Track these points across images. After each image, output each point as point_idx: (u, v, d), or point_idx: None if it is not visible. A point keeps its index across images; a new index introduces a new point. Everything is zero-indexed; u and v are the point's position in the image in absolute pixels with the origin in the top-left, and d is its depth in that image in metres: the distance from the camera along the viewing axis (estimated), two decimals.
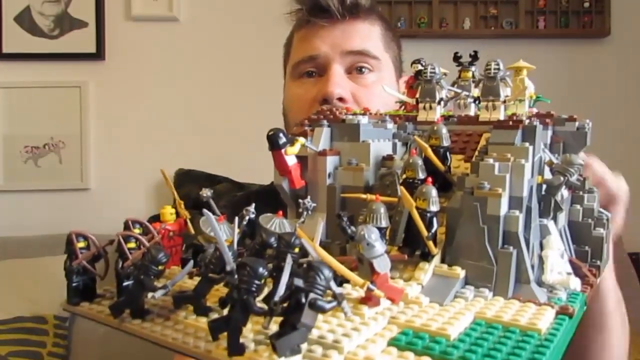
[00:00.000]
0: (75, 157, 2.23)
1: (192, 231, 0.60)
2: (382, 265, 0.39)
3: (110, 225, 0.52)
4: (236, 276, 0.35)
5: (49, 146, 2.23)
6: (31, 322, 1.76)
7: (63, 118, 2.22)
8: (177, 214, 0.61)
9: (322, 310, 0.32)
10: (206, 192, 0.59)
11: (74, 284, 0.48)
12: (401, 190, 0.44)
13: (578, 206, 0.61)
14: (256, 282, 0.33)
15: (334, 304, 0.32)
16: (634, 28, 2.32)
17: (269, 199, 0.55)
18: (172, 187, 0.62)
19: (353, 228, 0.40)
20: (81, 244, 0.49)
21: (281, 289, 0.34)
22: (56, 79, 2.23)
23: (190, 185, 1.88)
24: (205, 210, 0.42)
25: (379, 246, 0.39)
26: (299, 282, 0.32)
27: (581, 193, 0.62)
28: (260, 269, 0.34)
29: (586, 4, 2.30)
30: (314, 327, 0.32)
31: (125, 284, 0.46)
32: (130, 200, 2.22)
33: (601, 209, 0.65)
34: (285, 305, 0.33)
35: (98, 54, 2.23)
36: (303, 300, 0.31)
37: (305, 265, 0.33)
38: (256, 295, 0.34)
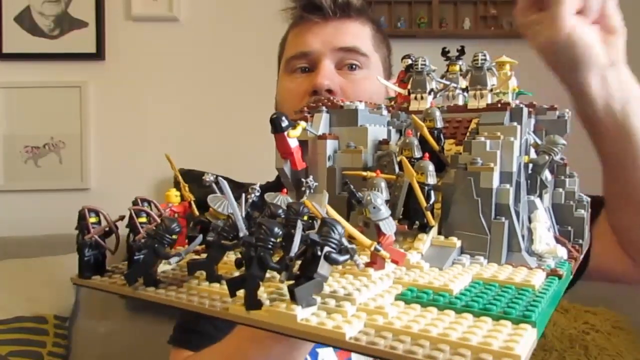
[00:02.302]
0: (75, 157, 2.23)
1: (197, 213, 0.61)
2: (388, 227, 0.41)
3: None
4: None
5: (49, 146, 2.22)
6: (31, 322, 1.75)
7: (63, 118, 2.22)
8: (182, 197, 0.62)
9: (337, 262, 0.34)
10: (209, 177, 0.60)
11: (85, 258, 0.50)
12: (403, 161, 0.47)
13: (560, 189, 0.65)
14: (272, 239, 0.36)
15: (347, 257, 0.35)
16: (633, 28, 2.36)
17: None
18: (176, 170, 0.64)
19: (360, 194, 0.43)
20: (93, 219, 0.51)
21: (294, 248, 0.36)
22: (56, 79, 2.23)
23: (190, 185, 1.88)
24: (220, 179, 0.44)
25: (385, 210, 0.42)
26: (314, 236, 0.34)
27: (563, 177, 0.67)
28: (276, 229, 0.36)
29: None
30: (328, 278, 0.35)
31: (136, 256, 0.47)
32: (130, 200, 2.19)
33: (580, 193, 0.69)
34: (299, 262, 0.35)
35: (98, 54, 2.23)
36: (319, 252, 0.34)
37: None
38: (272, 253, 0.36)
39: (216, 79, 2.30)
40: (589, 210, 0.67)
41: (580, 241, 0.63)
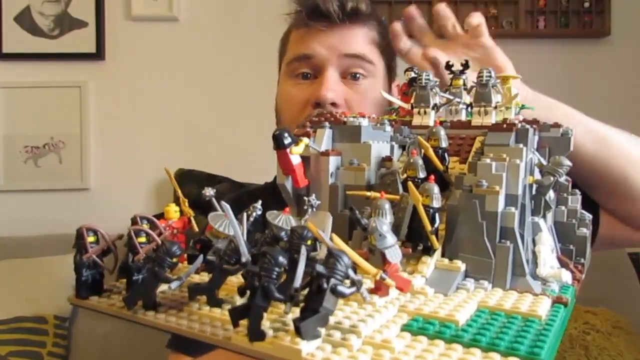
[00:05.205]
0: (75, 157, 2.24)
1: (196, 229, 0.61)
2: (394, 255, 0.41)
3: (110, 225, 0.52)
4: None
5: (49, 146, 2.23)
6: (31, 322, 1.76)
7: (63, 118, 2.23)
8: (181, 212, 0.62)
9: (343, 295, 0.34)
10: (209, 191, 0.59)
11: (83, 278, 0.49)
12: (409, 185, 0.46)
13: (563, 207, 0.65)
14: (277, 269, 0.35)
15: (354, 289, 0.34)
16: (634, 28, 2.35)
17: (264, 198, 0.56)
18: (176, 184, 0.63)
19: (366, 220, 0.42)
20: (91, 238, 0.50)
21: (299, 278, 0.36)
22: (56, 79, 2.23)
23: (190, 185, 1.88)
24: (223, 202, 0.43)
25: (390, 237, 0.41)
26: (320, 268, 0.33)
27: (565, 195, 0.66)
28: (281, 258, 0.35)
29: (586, 4, 2.32)
30: (334, 311, 0.34)
31: (135, 277, 0.47)
32: (130, 200, 2.22)
33: (582, 211, 0.69)
34: (304, 292, 0.35)
35: (98, 54, 2.24)
36: (325, 285, 0.33)
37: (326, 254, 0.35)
38: (276, 283, 0.35)
39: (216, 78, 2.30)
40: (591, 227, 0.67)
41: (582, 260, 0.62)
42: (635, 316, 1.82)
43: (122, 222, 0.54)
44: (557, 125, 0.67)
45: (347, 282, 0.35)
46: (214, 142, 2.28)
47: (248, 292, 0.37)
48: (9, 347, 1.68)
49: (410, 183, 0.47)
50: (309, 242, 0.43)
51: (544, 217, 0.58)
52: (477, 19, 0.85)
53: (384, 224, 0.41)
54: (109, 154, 2.27)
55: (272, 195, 0.60)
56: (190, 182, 2.01)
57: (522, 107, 0.71)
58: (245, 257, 0.41)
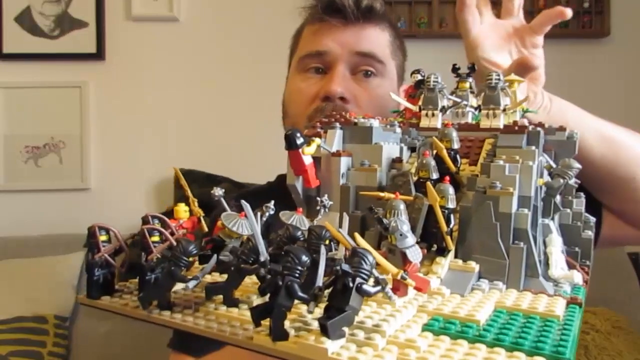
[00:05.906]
0: (75, 157, 2.24)
1: (205, 229, 0.60)
2: (415, 255, 0.41)
3: (110, 225, 0.52)
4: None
5: (49, 146, 2.23)
6: (31, 322, 1.76)
7: (63, 118, 2.23)
8: (190, 212, 0.61)
9: (368, 295, 0.34)
10: (218, 191, 0.59)
11: (94, 277, 0.48)
12: (427, 186, 0.46)
13: (568, 210, 0.65)
14: (299, 268, 0.35)
15: (379, 288, 0.34)
16: (634, 28, 2.35)
17: (264, 199, 0.56)
18: (185, 184, 0.63)
19: (386, 220, 0.42)
20: (103, 237, 0.49)
21: (320, 277, 0.36)
22: (56, 79, 2.23)
23: (190, 186, 1.87)
24: (243, 202, 0.43)
25: (411, 237, 0.41)
26: (346, 267, 0.33)
27: (570, 198, 0.66)
28: (304, 257, 0.35)
29: (586, 4, 2.32)
30: (360, 310, 0.34)
31: (148, 277, 0.46)
32: (130, 200, 2.21)
33: (587, 214, 0.69)
34: (328, 291, 0.35)
35: (98, 54, 2.24)
36: (350, 284, 0.33)
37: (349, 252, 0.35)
38: (299, 282, 0.35)
39: (216, 79, 2.30)
40: (594, 230, 0.67)
41: (588, 262, 0.63)
42: (635, 316, 1.83)
43: (123, 222, 0.54)
44: (562, 129, 0.67)
45: (370, 281, 0.35)
46: (214, 142, 2.28)
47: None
48: (10, 347, 1.68)
49: (428, 184, 0.47)
50: (327, 242, 0.43)
51: (553, 219, 0.59)
52: (551, 17, 0.83)
53: (405, 223, 0.41)
54: (109, 154, 2.27)
55: (275, 195, 0.59)
56: (190, 182, 2.00)
57: (526, 110, 0.71)
58: (264, 256, 0.41)
